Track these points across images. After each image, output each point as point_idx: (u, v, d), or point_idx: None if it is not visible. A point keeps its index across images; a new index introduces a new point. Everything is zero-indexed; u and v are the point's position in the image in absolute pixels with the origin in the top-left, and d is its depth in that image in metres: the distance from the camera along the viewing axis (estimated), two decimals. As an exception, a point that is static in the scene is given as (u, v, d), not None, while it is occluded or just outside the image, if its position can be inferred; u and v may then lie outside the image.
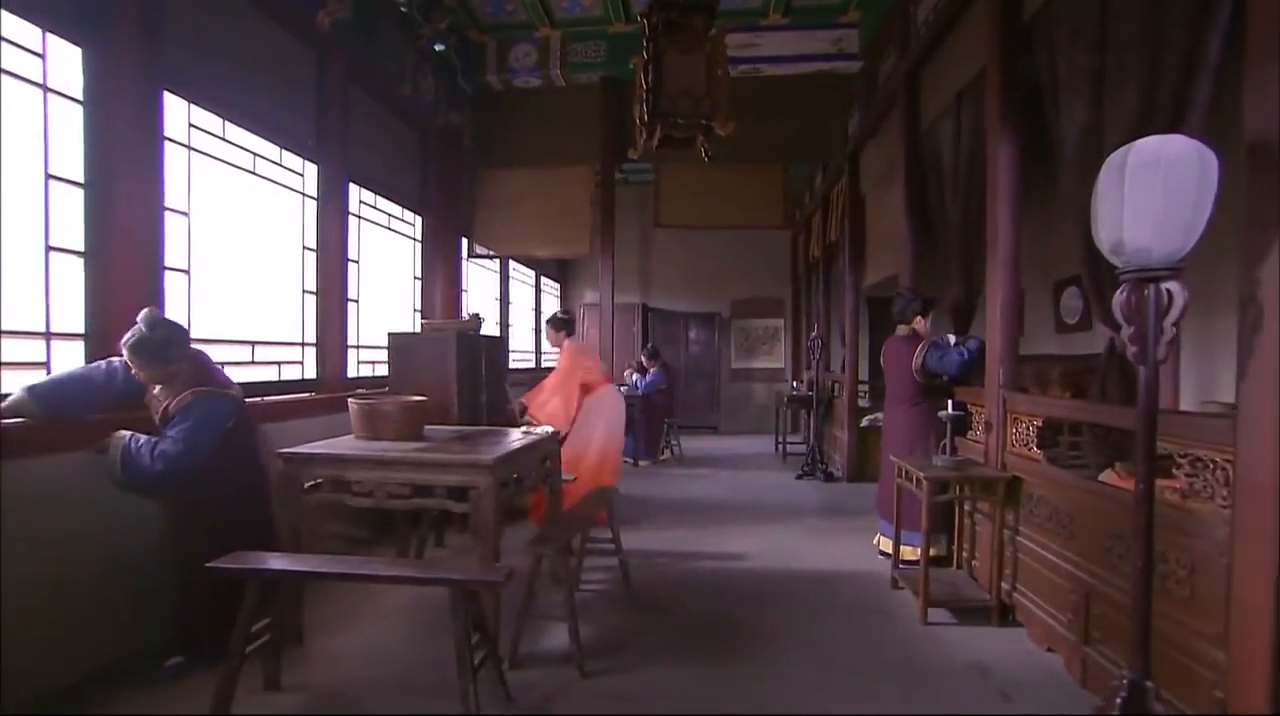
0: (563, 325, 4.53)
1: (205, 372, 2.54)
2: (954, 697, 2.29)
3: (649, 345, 8.01)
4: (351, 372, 4.48)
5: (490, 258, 6.72)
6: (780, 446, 7.65)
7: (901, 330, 3.65)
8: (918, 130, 4.31)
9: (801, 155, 6.63)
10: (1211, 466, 1.76)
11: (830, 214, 6.79)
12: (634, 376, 7.50)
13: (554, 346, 4.53)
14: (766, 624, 2.89)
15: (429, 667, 2.42)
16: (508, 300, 7.78)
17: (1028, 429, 2.80)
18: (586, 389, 4.41)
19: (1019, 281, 3.03)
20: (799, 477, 6.20)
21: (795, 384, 8.74)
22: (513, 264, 7.97)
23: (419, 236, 5.56)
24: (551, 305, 10.31)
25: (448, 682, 2.00)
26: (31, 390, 2.30)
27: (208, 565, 2.06)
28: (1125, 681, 1.67)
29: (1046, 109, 2.71)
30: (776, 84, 5.66)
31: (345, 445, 2.67)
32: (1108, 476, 2.33)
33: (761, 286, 10.05)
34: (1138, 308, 1.67)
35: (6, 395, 2.32)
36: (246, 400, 2.72)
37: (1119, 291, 1.70)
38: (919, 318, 3.51)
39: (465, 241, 6.07)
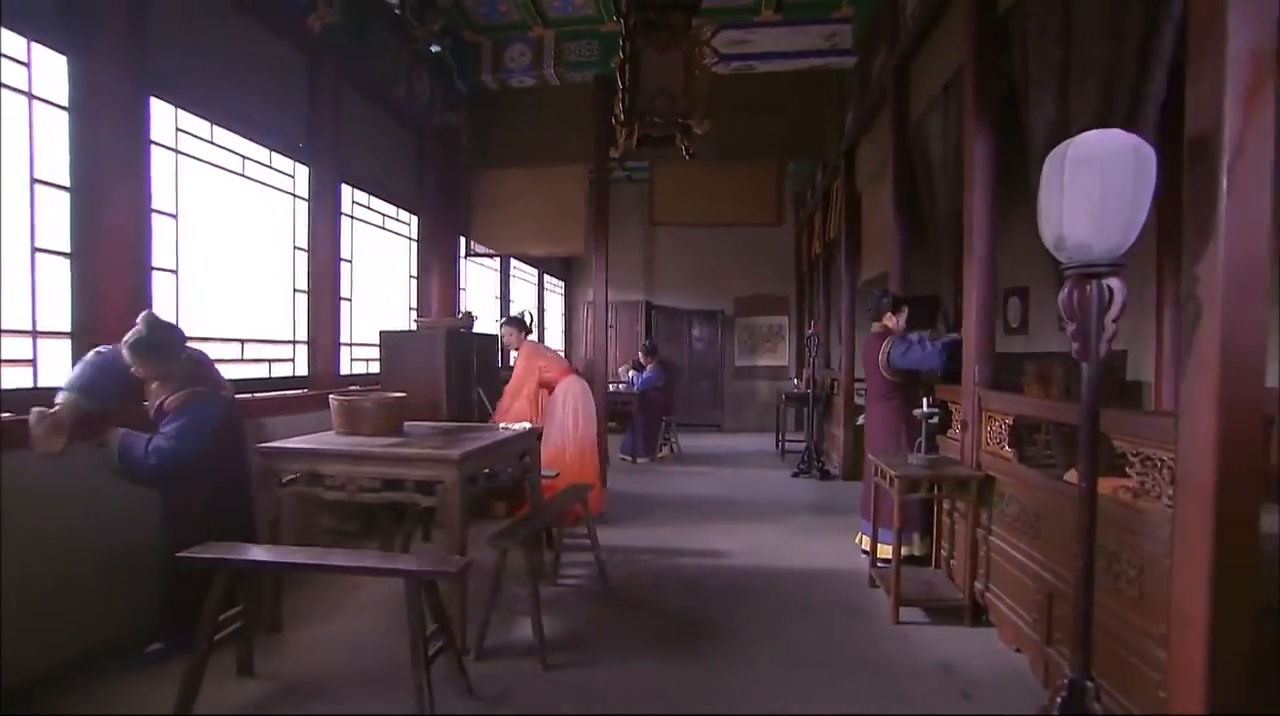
0: (519, 326, 4.53)
1: (202, 371, 2.65)
2: (914, 696, 2.29)
3: (646, 341, 8.00)
4: (345, 370, 4.56)
5: (490, 257, 6.78)
6: (780, 444, 7.63)
7: (875, 327, 3.65)
8: (907, 125, 4.27)
9: (796, 152, 6.59)
10: (1159, 465, 1.74)
11: (830, 211, 6.75)
12: (631, 373, 7.51)
13: (514, 347, 4.54)
14: (739, 621, 2.90)
15: (402, 659, 2.46)
16: (508, 299, 7.84)
17: (1000, 427, 2.78)
18: (548, 385, 4.43)
19: (995, 280, 2.99)
20: (795, 475, 6.18)
21: (797, 382, 8.71)
22: (514, 262, 8.02)
23: (415, 236, 5.63)
24: (555, 304, 10.37)
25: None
26: (73, 387, 2.36)
27: (178, 554, 2.15)
28: (1066, 681, 1.66)
29: (1020, 103, 2.68)
30: (770, 80, 5.63)
31: (321, 440, 2.74)
32: (1072, 476, 2.30)
33: (765, 284, 10.01)
34: (1080, 304, 1.66)
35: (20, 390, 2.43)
36: (236, 396, 2.82)
37: (1062, 288, 1.69)
38: (890, 314, 3.50)
39: (463, 240, 6.13)
